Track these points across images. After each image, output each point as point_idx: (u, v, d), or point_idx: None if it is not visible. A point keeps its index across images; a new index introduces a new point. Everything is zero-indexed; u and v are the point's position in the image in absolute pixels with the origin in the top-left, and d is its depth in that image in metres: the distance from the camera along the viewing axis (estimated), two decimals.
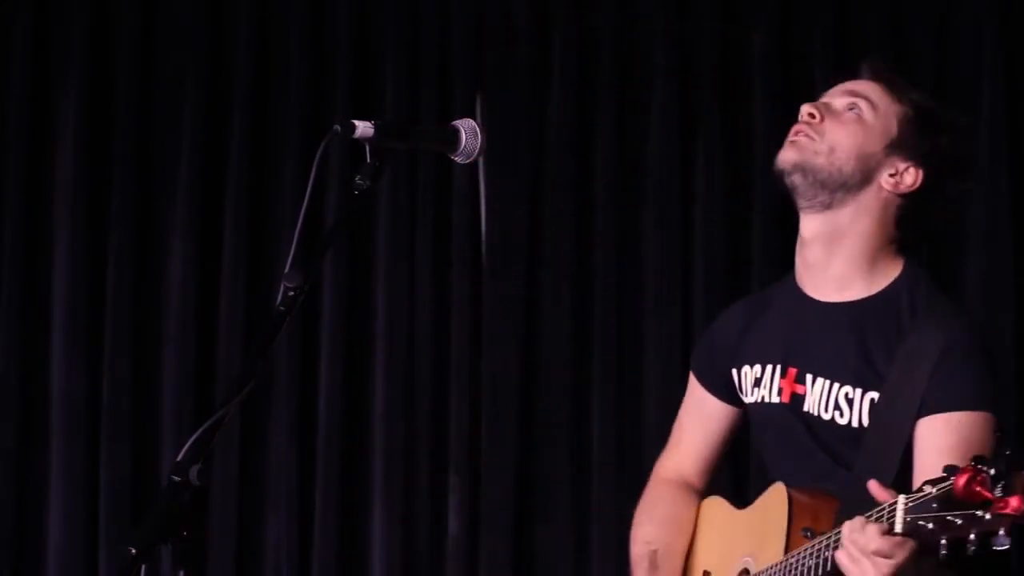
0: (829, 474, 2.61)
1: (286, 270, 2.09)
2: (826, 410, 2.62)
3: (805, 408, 2.65)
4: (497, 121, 4.24)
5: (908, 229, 2.68)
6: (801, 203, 2.66)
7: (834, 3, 4.28)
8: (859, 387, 2.59)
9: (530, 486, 4.21)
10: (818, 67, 4.23)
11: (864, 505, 2.31)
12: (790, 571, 2.47)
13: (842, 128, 2.66)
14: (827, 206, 2.63)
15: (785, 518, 2.52)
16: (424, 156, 4.21)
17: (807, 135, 2.66)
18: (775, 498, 2.59)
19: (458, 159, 2.34)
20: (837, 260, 2.66)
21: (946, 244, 4.24)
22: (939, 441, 2.48)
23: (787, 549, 2.51)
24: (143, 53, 4.26)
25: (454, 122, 2.33)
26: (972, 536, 2.08)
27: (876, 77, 2.73)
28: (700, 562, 2.83)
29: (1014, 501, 2.06)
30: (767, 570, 2.56)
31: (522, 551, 4.20)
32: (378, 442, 4.20)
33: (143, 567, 1.81)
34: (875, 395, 2.58)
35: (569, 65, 4.28)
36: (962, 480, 2.09)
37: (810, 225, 2.66)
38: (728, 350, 2.81)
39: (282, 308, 2.08)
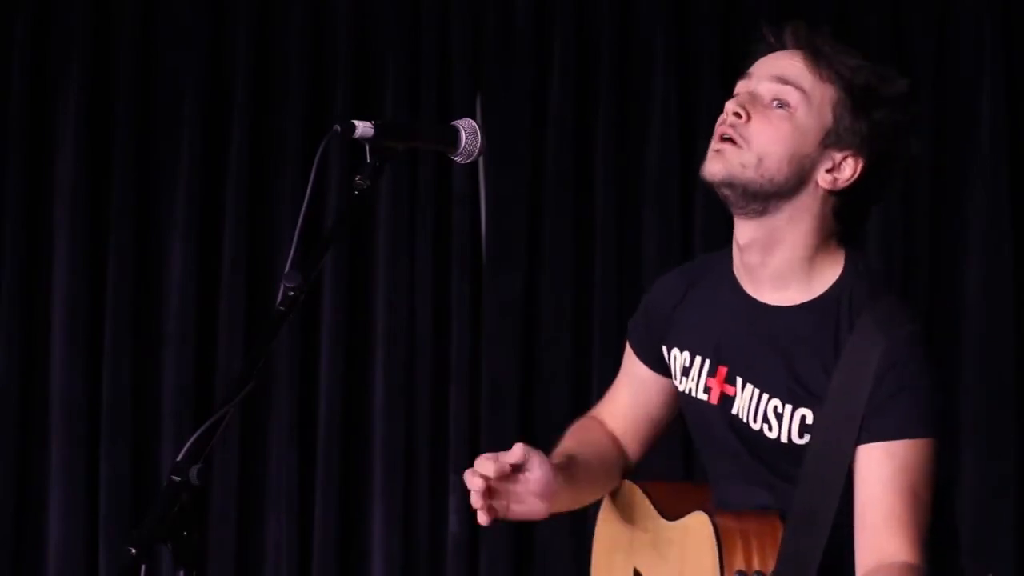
0: (768, 483, 2.45)
1: (286, 270, 2.08)
2: (755, 420, 2.44)
3: (734, 411, 2.48)
4: (497, 121, 4.24)
5: (849, 222, 2.46)
6: (733, 210, 2.44)
7: (834, 3, 4.28)
8: (789, 403, 2.41)
9: None
10: None
11: (811, 529, 2.28)
12: None
13: (771, 130, 2.39)
14: (761, 213, 2.41)
15: (716, 566, 2.33)
16: (424, 156, 4.21)
17: (733, 142, 2.40)
18: (699, 531, 2.41)
19: (458, 159, 2.33)
20: (774, 262, 2.44)
21: (946, 247, 4.24)
22: (880, 472, 2.31)
23: None
24: (143, 53, 4.26)
25: (454, 122, 2.32)
26: None
27: (803, 49, 2.43)
28: (605, 549, 2.71)
29: None
30: None
31: (522, 551, 4.20)
32: (378, 442, 4.21)
33: (143, 567, 1.81)
34: (806, 412, 2.39)
35: (569, 65, 4.28)
36: None
37: (745, 231, 2.44)
38: (661, 323, 2.62)
39: (282, 308, 2.07)
